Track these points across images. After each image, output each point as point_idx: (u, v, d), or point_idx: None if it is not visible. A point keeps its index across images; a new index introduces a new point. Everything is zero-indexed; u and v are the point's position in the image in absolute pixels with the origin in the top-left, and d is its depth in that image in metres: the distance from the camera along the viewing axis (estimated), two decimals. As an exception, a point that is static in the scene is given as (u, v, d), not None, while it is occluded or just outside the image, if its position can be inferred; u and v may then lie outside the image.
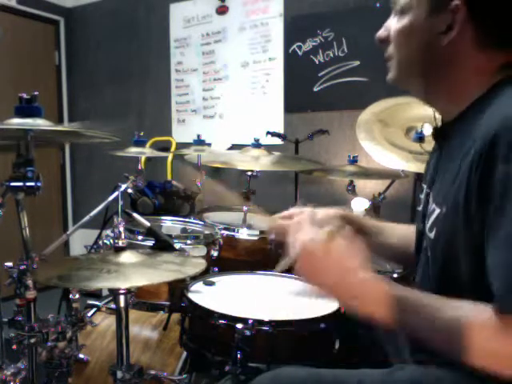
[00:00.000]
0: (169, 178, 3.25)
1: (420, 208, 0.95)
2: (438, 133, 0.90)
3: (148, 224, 1.33)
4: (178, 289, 1.27)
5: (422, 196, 0.94)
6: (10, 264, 1.07)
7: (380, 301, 0.76)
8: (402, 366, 0.86)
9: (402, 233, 1.11)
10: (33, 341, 1.05)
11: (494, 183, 0.67)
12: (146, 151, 2.21)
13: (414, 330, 0.76)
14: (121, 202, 1.68)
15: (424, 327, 0.73)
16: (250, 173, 1.96)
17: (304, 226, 0.90)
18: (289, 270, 0.97)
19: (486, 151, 0.68)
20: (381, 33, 0.91)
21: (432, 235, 0.81)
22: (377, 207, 2.04)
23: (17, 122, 0.97)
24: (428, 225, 0.83)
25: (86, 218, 1.60)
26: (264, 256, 1.73)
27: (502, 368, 0.66)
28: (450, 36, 0.78)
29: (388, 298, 0.75)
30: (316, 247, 0.83)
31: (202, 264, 1.11)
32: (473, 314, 0.69)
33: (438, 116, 0.92)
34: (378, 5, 2.70)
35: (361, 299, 0.79)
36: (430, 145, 1.71)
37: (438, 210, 0.80)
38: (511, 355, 0.65)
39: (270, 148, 2.04)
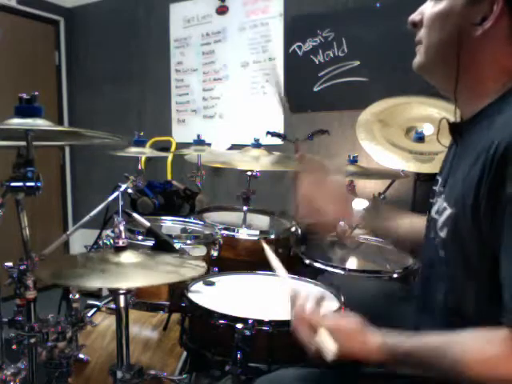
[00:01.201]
0: (169, 178, 3.25)
1: (434, 200, 0.94)
2: (454, 129, 0.89)
3: (148, 224, 1.33)
4: (178, 289, 1.27)
5: (437, 188, 0.93)
6: (10, 264, 1.07)
7: (376, 357, 0.76)
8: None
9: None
10: (33, 341, 1.05)
11: (506, 191, 0.66)
12: (146, 151, 2.21)
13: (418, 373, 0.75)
14: (121, 202, 1.67)
15: (426, 372, 0.72)
16: (249, 173, 1.96)
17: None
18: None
19: (499, 157, 0.67)
20: (414, 16, 0.89)
21: (443, 234, 0.81)
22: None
23: (17, 122, 0.96)
24: (439, 223, 0.83)
25: (86, 218, 1.59)
26: (264, 256, 1.72)
27: None
28: (483, 27, 0.77)
29: (383, 354, 0.75)
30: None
31: (201, 267, 1.11)
32: (479, 349, 0.67)
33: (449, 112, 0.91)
34: (377, 5, 2.69)
35: (360, 357, 0.79)
36: (429, 145, 1.70)
37: (449, 210, 0.79)
38: None
39: (269, 148, 2.04)
